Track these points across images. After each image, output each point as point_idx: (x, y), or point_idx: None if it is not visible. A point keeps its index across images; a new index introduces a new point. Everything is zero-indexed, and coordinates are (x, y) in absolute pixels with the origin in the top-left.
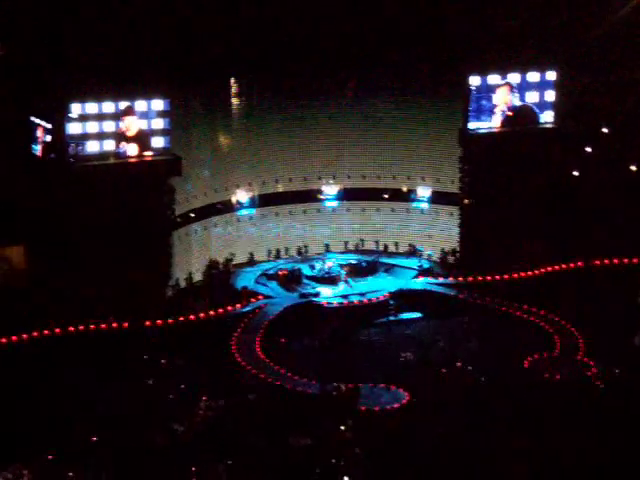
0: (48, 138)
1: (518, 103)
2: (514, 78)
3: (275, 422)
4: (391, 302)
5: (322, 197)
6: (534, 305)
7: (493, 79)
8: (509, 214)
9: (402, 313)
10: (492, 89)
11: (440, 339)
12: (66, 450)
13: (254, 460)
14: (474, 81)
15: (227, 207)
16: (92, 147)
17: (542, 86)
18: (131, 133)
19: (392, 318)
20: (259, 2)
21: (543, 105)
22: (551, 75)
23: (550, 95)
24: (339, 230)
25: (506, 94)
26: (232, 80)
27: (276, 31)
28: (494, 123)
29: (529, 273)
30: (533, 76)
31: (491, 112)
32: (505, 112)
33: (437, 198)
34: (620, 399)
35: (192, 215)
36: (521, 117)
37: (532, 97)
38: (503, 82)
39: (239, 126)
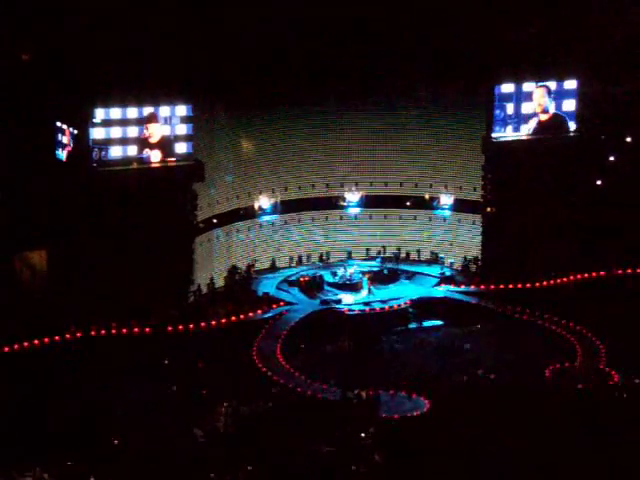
0: (72, 143)
1: (552, 109)
2: (530, 87)
3: (295, 428)
4: (410, 310)
5: (344, 204)
6: (556, 314)
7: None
8: (531, 223)
9: (423, 321)
10: (509, 98)
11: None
12: (86, 454)
13: (274, 466)
14: (499, 89)
15: (249, 213)
16: (115, 152)
17: (560, 95)
18: (154, 140)
19: (413, 326)
20: (283, 8)
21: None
22: (571, 84)
23: (570, 104)
24: (361, 237)
25: (541, 96)
26: (256, 86)
27: (299, 38)
28: (525, 129)
29: (551, 282)
30: (551, 85)
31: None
32: (539, 116)
33: (459, 206)
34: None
35: (215, 221)
36: (554, 125)
37: (551, 106)
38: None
39: (262, 132)
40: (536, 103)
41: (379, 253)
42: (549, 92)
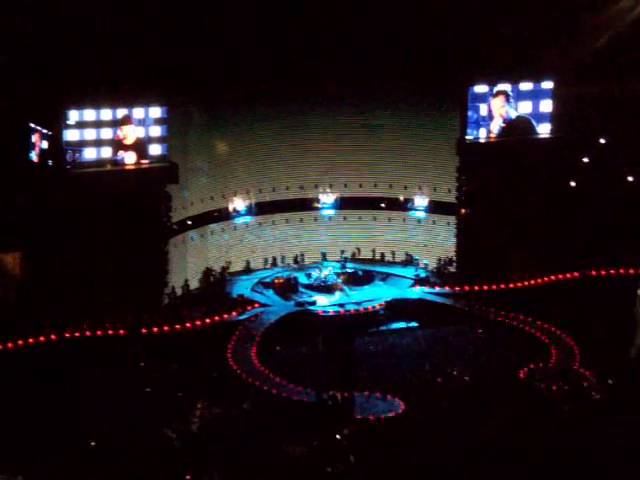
0: (45, 144)
1: (514, 114)
2: (506, 87)
3: (270, 430)
4: (381, 311)
5: (319, 205)
6: (530, 315)
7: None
8: (506, 224)
9: (394, 322)
10: (482, 98)
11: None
12: (61, 456)
13: (248, 468)
14: (474, 90)
15: (224, 215)
16: (89, 154)
17: (537, 96)
18: (129, 142)
19: (386, 327)
20: (256, 9)
21: (539, 116)
22: (547, 84)
23: (546, 105)
24: (336, 239)
25: (501, 106)
26: (230, 87)
27: (272, 38)
28: (487, 134)
29: (525, 283)
30: (527, 85)
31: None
32: (500, 125)
33: (434, 207)
34: (615, 410)
35: (189, 222)
36: (516, 129)
37: (525, 107)
38: (496, 91)
39: (237, 133)
40: (497, 113)
41: (351, 255)
42: (507, 99)
